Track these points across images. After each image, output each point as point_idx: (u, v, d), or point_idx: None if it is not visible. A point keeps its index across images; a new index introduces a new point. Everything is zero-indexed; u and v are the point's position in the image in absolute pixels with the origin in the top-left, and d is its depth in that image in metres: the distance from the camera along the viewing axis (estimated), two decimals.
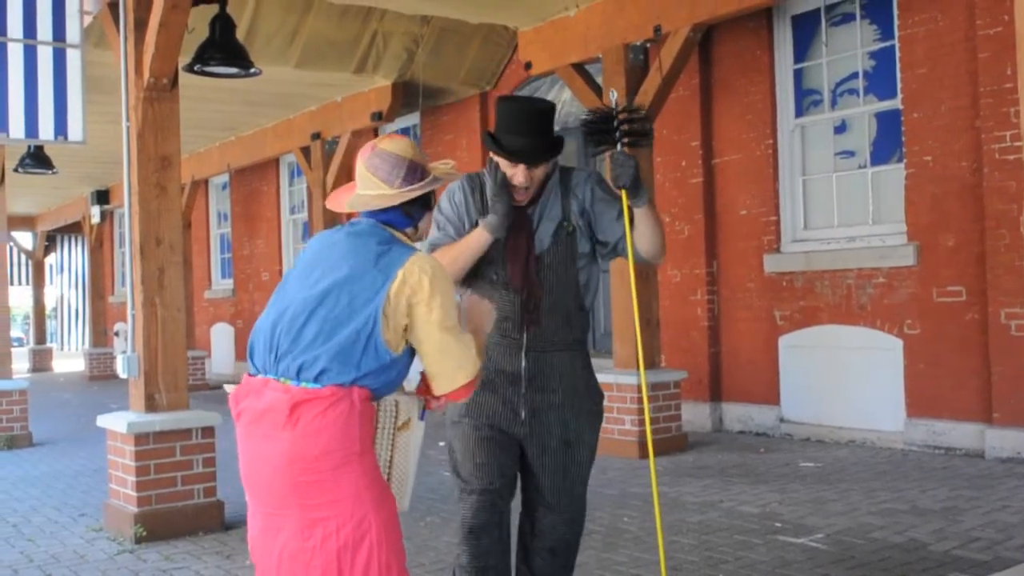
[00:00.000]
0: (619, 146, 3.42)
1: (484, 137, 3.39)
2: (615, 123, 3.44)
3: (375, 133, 13.18)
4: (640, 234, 3.38)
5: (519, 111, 3.36)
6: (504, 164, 3.33)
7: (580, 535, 3.52)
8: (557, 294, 3.37)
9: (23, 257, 24.59)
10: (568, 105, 10.46)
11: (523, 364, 3.34)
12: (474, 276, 3.39)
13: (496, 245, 3.35)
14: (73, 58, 6.71)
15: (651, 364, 7.99)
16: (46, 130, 6.61)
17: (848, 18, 8.29)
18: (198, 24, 7.00)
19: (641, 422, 7.69)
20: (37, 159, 12.01)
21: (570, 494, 3.41)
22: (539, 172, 3.32)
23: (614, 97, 3.53)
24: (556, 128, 3.38)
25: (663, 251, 3.48)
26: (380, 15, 9.27)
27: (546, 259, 3.37)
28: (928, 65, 7.52)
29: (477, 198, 3.45)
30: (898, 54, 7.78)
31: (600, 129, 3.46)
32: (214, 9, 7.17)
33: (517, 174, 3.30)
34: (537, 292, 3.34)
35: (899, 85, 7.80)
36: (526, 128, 3.29)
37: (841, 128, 8.42)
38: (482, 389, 3.28)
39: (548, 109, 3.39)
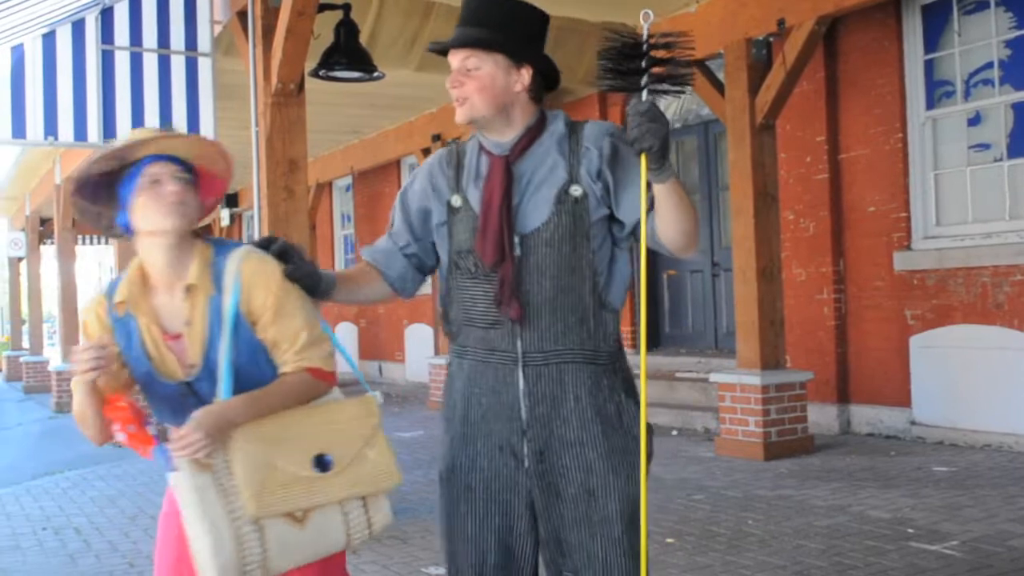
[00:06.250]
0: (645, 93, 2.31)
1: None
2: (644, 60, 2.32)
3: None
4: (661, 218, 2.39)
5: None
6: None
7: None
8: (561, 282, 2.43)
9: None
10: (688, 102, 10.35)
11: (520, 384, 2.45)
12: (452, 269, 2.55)
13: (467, 223, 2.51)
14: (204, 66, 6.96)
15: (775, 364, 7.85)
16: None
17: (982, 6, 7.99)
18: (323, 30, 7.15)
19: (767, 423, 7.58)
20: None
21: (603, 561, 2.44)
22: (481, 75, 2.45)
23: (648, 23, 2.36)
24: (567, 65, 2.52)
25: (692, 241, 2.45)
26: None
27: (544, 234, 2.43)
28: None
29: (451, 173, 2.59)
30: None
31: (623, 70, 2.34)
32: (338, 15, 7.33)
33: (450, 79, 2.51)
34: (509, 269, 2.42)
35: None
36: (472, 18, 2.51)
37: (975, 120, 8.12)
38: (472, 430, 2.52)
39: (518, 5, 2.53)
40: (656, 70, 2.32)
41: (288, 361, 2.40)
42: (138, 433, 2.33)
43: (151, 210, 2.35)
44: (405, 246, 2.67)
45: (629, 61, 2.32)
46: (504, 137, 2.51)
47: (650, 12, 2.36)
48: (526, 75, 2.47)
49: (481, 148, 2.56)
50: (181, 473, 2.24)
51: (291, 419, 2.35)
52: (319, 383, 2.43)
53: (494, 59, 2.45)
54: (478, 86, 2.45)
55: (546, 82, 2.55)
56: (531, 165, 2.48)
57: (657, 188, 2.35)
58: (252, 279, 2.38)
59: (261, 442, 2.29)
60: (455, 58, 2.49)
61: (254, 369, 2.38)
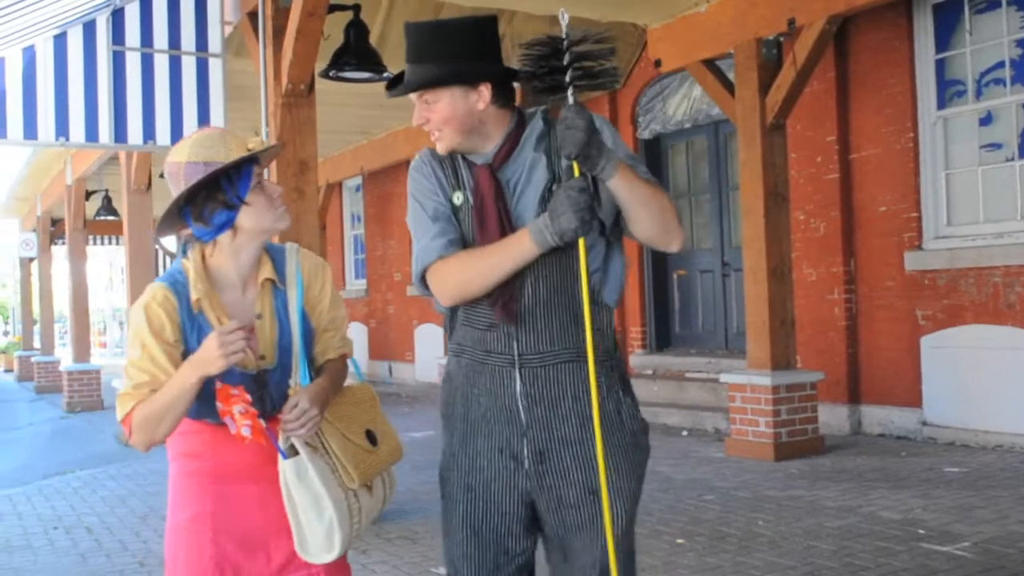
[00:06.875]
0: (570, 94, 2.31)
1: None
2: (565, 60, 2.31)
3: None
4: (625, 213, 2.40)
5: (415, 34, 2.43)
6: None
7: None
8: (553, 282, 2.42)
9: (168, 260, 25.58)
10: (698, 102, 10.34)
11: (517, 386, 2.43)
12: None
13: (467, 222, 2.45)
14: (215, 67, 6.97)
15: (786, 365, 7.84)
16: None
17: (993, 5, 7.96)
18: (333, 31, 7.16)
19: (777, 424, 7.57)
20: None
21: (602, 564, 2.43)
22: (441, 107, 2.40)
23: (565, 21, 2.30)
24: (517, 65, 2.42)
25: (669, 231, 2.43)
26: (510, 17, 9.32)
27: None
28: None
29: (449, 171, 2.51)
30: None
31: (545, 73, 2.33)
32: (348, 16, 7.33)
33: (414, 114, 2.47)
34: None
35: None
36: (417, 54, 2.42)
37: (986, 120, 8.09)
38: (473, 428, 2.50)
39: (458, 26, 2.43)
40: (578, 67, 2.30)
41: (334, 347, 2.59)
42: (256, 423, 2.29)
43: (269, 210, 2.46)
44: (452, 228, 2.48)
45: (552, 63, 2.31)
46: (486, 148, 2.47)
47: (565, 12, 2.28)
48: (485, 91, 2.41)
49: (464, 159, 2.51)
50: (301, 457, 2.34)
51: (340, 400, 2.51)
52: (346, 368, 2.63)
53: (448, 90, 2.40)
54: (442, 119, 2.41)
55: (511, 80, 2.49)
56: (515, 169, 2.45)
57: (611, 184, 2.32)
58: (312, 272, 2.56)
59: (336, 420, 2.44)
60: (412, 95, 2.47)
61: (309, 354, 2.55)
